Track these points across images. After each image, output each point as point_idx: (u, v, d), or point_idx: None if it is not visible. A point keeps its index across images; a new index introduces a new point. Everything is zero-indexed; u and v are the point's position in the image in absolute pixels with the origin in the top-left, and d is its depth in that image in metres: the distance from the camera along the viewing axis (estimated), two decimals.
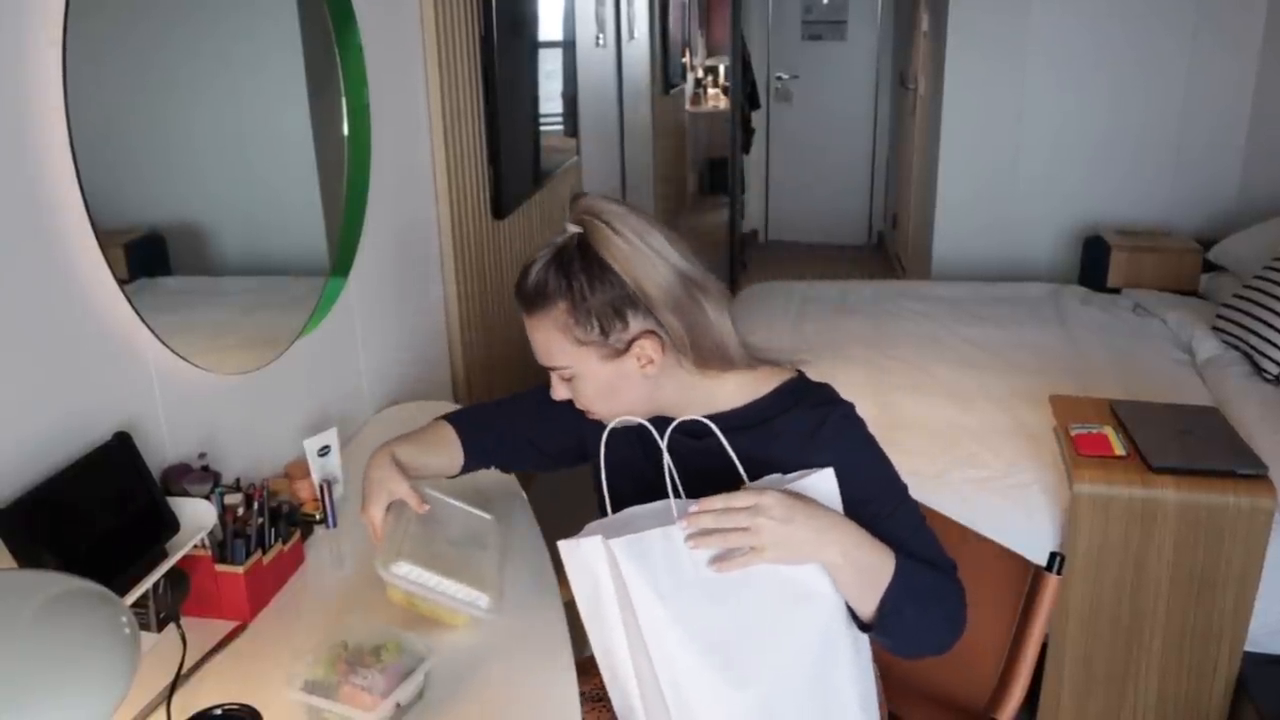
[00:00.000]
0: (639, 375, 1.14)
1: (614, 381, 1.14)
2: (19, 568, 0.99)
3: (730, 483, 1.10)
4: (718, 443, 1.12)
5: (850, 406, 1.16)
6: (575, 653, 1.21)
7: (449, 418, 1.42)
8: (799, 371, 1.22)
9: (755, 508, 0.99)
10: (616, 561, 1.00)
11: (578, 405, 1.19)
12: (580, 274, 1.09)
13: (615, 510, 1.13)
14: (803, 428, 1.13)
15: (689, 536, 1.01)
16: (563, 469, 1.40)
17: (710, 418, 1.14)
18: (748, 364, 1.18)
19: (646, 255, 1.09)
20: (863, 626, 1.10)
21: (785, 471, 1.09)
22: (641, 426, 1.19)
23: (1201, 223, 3.84)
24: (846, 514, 1.08)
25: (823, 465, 1.08)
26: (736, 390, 1.18)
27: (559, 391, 1.19)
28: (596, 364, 1.13)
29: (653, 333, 1.11)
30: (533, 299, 1.13)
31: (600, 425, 1.21)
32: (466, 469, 1.41)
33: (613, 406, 1.17)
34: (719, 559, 1.01)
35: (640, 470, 1.23)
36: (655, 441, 1.17)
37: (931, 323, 3.10)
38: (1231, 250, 3.30)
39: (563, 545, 1.04)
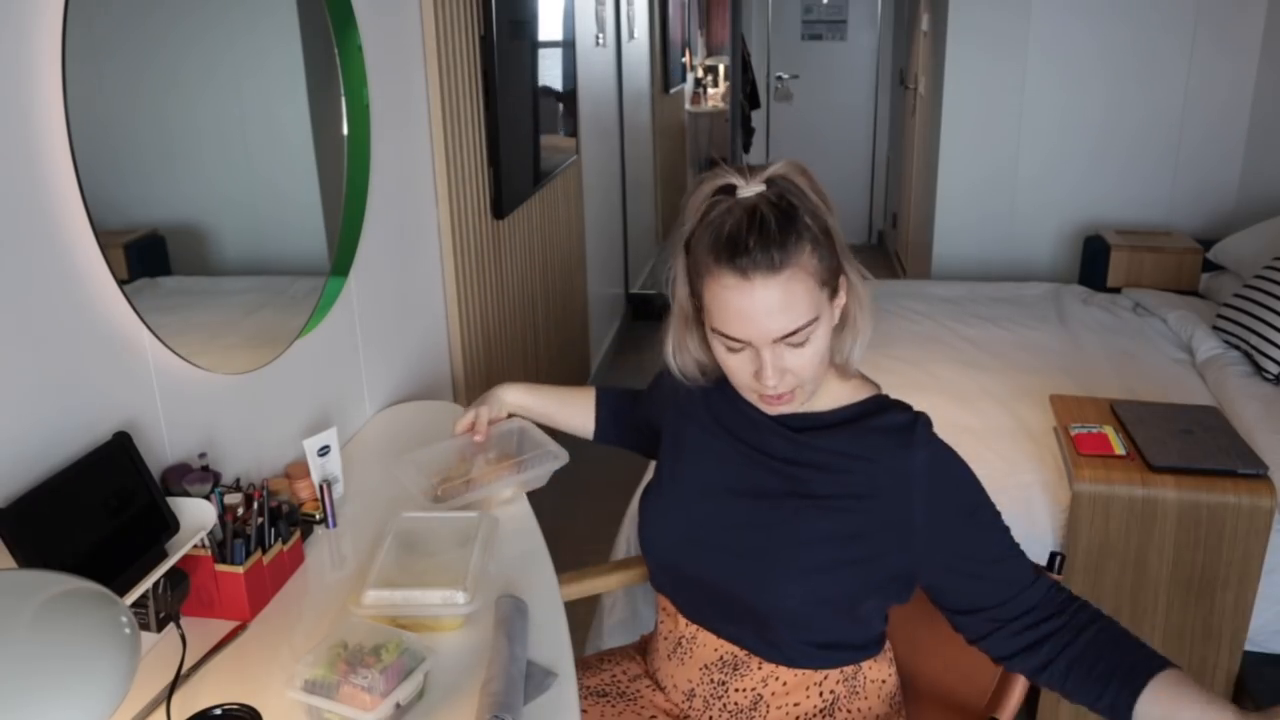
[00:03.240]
0: (832, 319, 1.13)
1: (829, 343, 1.13)
2: (19, 568, 0.99)
3: (824, 477, 1.16)
4: (810, 436, 1.18)
5: (929, 418, 1.19)
6: (575, 650, 1.21)
7: (600, 387, 1.58)
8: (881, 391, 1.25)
9: None
10: None
11: (786, 383, 1.11)
12: (804, 214, 1.07)
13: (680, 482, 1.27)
14: (896, 426, 1.16)
15: None
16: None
17: (803, 415, 1.20)
18: (852, 371, 1.21)
19: (829, 203, 1.12)
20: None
21: (875, 463, 1.14)
22: (738, 410, 1.23)
23: (1201, 223, 3.84)
24: (959, 519, 1.15)
25: (920, 463, 1.13)
26: (829, 394, 1.21)
27: (785, 379, 1.10)
28: (827, 306, 1.11)
29: (842, 270, 1.13)
30: (783, 236, 1.05)
31: (693, 403, 1.27)
32: (601, 435, 1.56)
33: (820, 368, 1.13)
34: None
35: (727, 453, 1.25)
36: (746, 426, 1.23)
37: (931, 323, 3.10)
38: (1231, 250, 3.30)
39: None
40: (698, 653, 1.29)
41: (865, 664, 1.26)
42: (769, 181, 1.10)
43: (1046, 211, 4.02)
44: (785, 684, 1.23)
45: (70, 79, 1.10)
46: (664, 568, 1.30)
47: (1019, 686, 1.32)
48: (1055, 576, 1.30)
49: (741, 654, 1.25)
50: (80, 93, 1.11)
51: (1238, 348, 2.72)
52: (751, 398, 1.17)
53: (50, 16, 1.09)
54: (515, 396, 1.57)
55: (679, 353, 1.25)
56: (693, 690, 1.29)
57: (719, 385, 1.26)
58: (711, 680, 1.27)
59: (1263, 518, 1.88)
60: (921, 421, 1.17)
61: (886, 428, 1.17)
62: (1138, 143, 3.87)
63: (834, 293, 1.12)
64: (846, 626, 1.22)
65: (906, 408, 1.20)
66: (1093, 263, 3.63)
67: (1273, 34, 3.59)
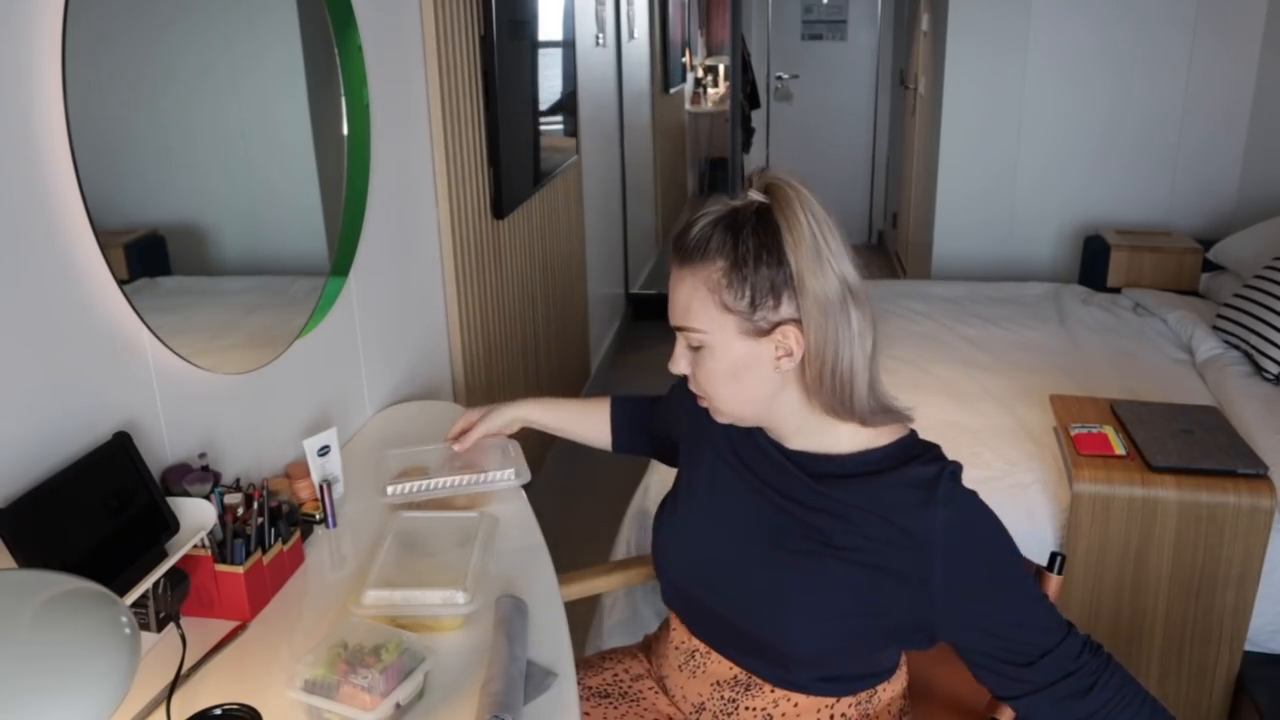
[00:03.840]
0: (770, 367, 1.09)
1: (743, 364, 1.09)
2: (19, 568, 0.99)
3: (842, 527, 1.10)
4: (828, 485, 1.12)
5: (958, 466, 1.11)
6: (575, 651, 1.21)
7: (615, 396, 1.55)
8: (911, 429, 1.17)
9: None
10: None
11: (694, 385, 1.15)
12: (750, 239, 1.05)
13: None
14: (919, 482, 1.09)
15: None
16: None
17: (823, 456, 1.14)
18: (866, 419, 1.12)
19: (821, 248, 1.05)
20: None
21: (892, 523, 1.07)
22: (755, 445, 1.19)
23: (1201, 223, 3.84)
24: (979, 580, 1.07)
25: (940, 523, 1.05)
26: (851, 436, 1.13)
27: (679, 363, 1.14)
28: (733, 337, 1.08)
29: (799, 323, 1.06)
30: (691, 251, 1.08)
31: (709, 424, 1.21)
32: (619, 445, 1.54)
33: (730, 395, 1.12)
34: None
35: (747, 490, 1.21)
36: (764, 463, 1.19)
37: (931, 323, 3.10)
38: (1231, 250, 3.30)
39: None
40: (711, 669, 1.27)
41: (880, 687, 1.23)
42: (769, 191, 1.08)
43: (1046, 211, 4.02)
44: (797, 706, 1.21)
45: (70, 79, 1.10)
46: (677, 590, 1.28)
47: None
48: (1056, 576, 1.30)
49: (755, 677, 1.23)
50: (80, 93, 1.11)
51: (1238, 348, 2.72)
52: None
53: (50, 16, 1.09)
54: (526, 411, 1.54)
55: None
56: (702, 704, 1.28)
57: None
58: (722, 697, 1.26)
59: (1263, 518, 1.88)
60: (947, 475, 1.09)
61: (909, 483, 1.09)
62: (1138, 142, 3.87)
63: (755, 333, 1.07)
64: (862, 663, 1.20)
65: (935, 456, 1.12)
66: (1093, 263, 3.63)
67: (1273, 34, 3.59)
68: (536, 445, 3.10)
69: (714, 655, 1.27)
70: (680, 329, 1.12)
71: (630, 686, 1.37)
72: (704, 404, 1.16)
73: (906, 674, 1.30)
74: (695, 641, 1.29)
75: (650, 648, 1.45)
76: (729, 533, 1.21)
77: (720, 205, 1.10)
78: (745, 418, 1.15)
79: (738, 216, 1.07)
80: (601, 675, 1.40)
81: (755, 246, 1.05)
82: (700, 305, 1.08)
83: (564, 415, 1.55)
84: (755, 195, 1.08)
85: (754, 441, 1.20)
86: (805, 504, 1.14)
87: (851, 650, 1.16)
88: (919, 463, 1.11)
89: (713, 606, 1.22)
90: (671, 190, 6.14)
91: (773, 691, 1.22)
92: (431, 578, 1.25)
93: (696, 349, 1.11)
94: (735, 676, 1.25)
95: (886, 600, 1.10)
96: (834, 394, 1.09)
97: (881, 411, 1.12)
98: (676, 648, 1.32)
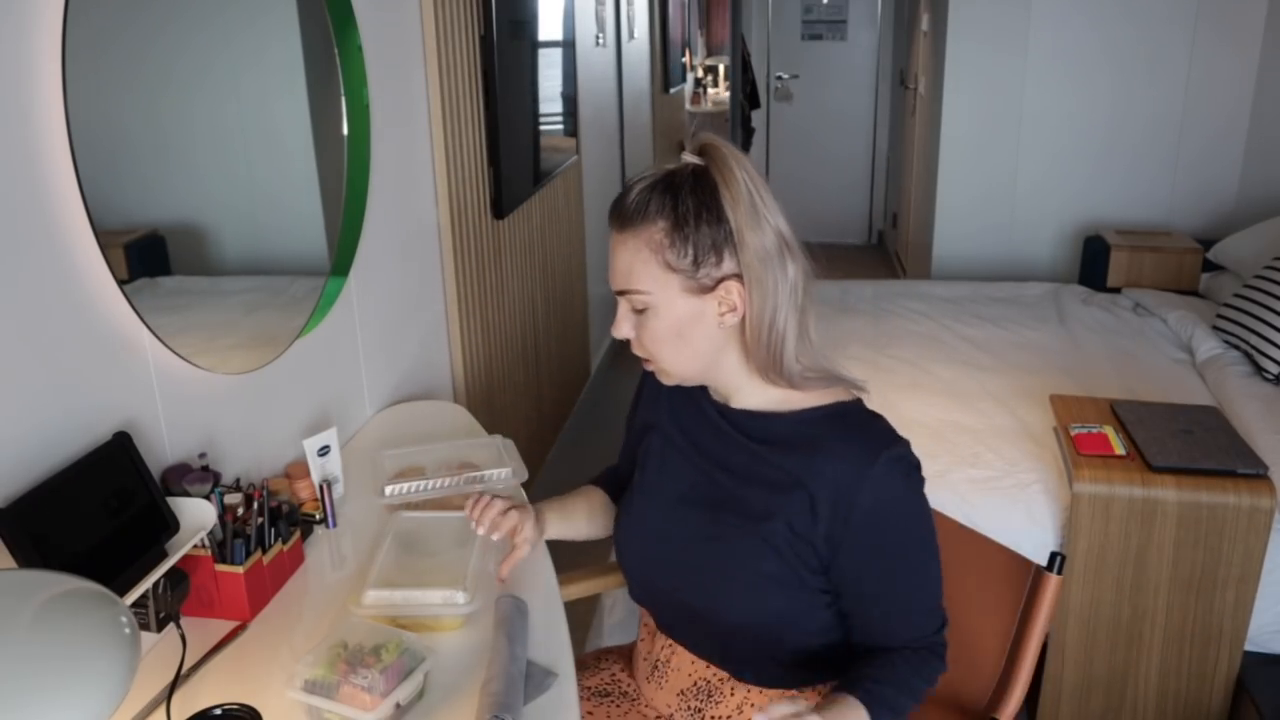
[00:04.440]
0: (715, 323, 1.11)
1: (688, 323, 1.11)
2: (19, 568, 0.99)
3: (764, 493, 1.13)
4: (767, 450, 1.15)
5: (905, 447, 1.11)
6: (575, 650, 1.21)
7: (595, 480, 1.48)
8: (857, 398, 1.18)
9: None
10: None
11: (638, 348, 1.16)
12: (689, 199, 1.08)
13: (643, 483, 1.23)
14: (853, 460, 1.09)
15: None
16: None
17: (760, 414, 1.16)
18: (796, 382, 1.13)
19: (757, 204, 1.08)
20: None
21: (820, 493, 1.10)
22: (699, 410, 1.21)
23: (1201, 223, 3.83)
24: (861, 554, 1.11)
25: (864, 505, 1.08)
26: (785, 395, 1.16)
27: (622, 327, 1.15)
28: (677, 296, 1.10)
29: (740, 278, 1.09)
30: (630, 215, 1.10)
31: (657, 410, 1.24)
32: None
33: (675, 354, 1.14)
34: None
35: (683, 460, 1.24)
36: (705, 430, 1.21)
37: (931, 323, 3.10)
38: (1231, 250, 3.30)
39: None
40: (672, 678, 1.28)
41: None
42: (703, 153, 1.10)
43: (1046, 211, 4.02)
44: (756, 708, 1.21)
45: (70, 79, 1.10)
46: (638, 580, 1.30)
47: (1019, 687, 1.32)
48: (1056, 577, 1.30)
49: (715, 679, 1.24)
50: (80, 93, 1.11)
51: (1238, 348, 2.72)
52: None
53: (50, 16, 1.09)
54: (551, 529, 1.37)
55: None
56: (671, 716, 1.29)
57: (687, 390, 1.24)
58: (688, 707, 1.27)
59: (1263, 518, 1.88)
60: (882, 461, 1.08)
61: (842, 461, 1.09)
62: (1138, 143, 3.87)
63: (699, 290, 1.09)
64: (807, 643, 1.19)
65: (875, 434, 1.12)
66: (1093, 263, 3.63)
67: (1273, 34, 3.59)
68: (536, 445, 3.10)
69: (675, 661, 1.27)
70: (623, 293, 1.13)
71: (630, 686, 1.37)
72: (649, 367, 1.19)
73: None
74: (659, 649, 1.30)
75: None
76: (670, 507, 1.23)
77: (655, 170, 1.12)
78: (690, 376, 1.17)
79: (674, 179, 1.10)
80: (599, 675, 1.40)
81: (695, 205, 1.08)
82: (643, 267, 1.10)
83: (578, 521, 1.41)
84: (689, 158, 1.11)
85: (697, 406, 1.23)
86: (740, 473, 1.17)
87: (784, 621, 1.16)
88: (857, 438, 1.11)
89: (667, 587, 1.24)
90: None
91: (734, 694, 1.23)
92: (431, 578, 1.25)
93: (640, 311, 1.13)
94: (696, 684, 1.26)
95: (789, 564, 1.13)
96: (768, 351, 1.11)
97: (818, 378, 1.15)
98: (644, 658, 1.33)
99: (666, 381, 1.19)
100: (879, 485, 1.08)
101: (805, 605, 1.15)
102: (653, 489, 1.27)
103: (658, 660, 1.30)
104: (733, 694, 1.23)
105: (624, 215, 1.11)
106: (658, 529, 1.24)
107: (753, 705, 1.22)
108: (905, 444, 1.11)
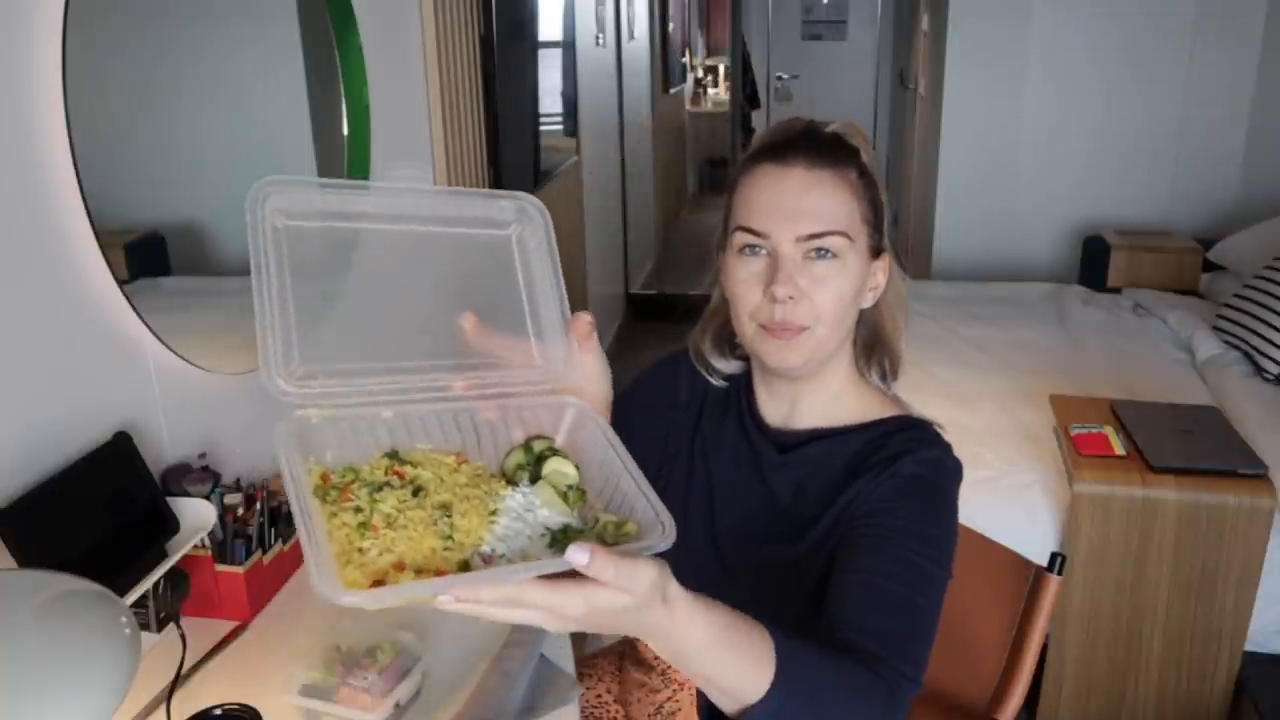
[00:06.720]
0: (863, 299, 0.99)
1: (860, 288, 0.97)
2: (19, 568, 0.99)
3: (790, 518, 1.00)
4: (823, 452, 1.01)
5: (943, 451, 0.99)
6: (575, 650, 1.21)
7: None
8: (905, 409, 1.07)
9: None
10: None
11: (793, 313, 0.94)
12: (860, 151, 0.97)
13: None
14: (913, 443, 0.98)
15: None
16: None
17: (828, 430, 1.03)
18: (889, 380, 1.05)
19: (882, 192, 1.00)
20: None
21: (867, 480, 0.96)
22: (739, 426, 1.06)
23: (1201, 223, 3.83)
24: (880, 502, 0.95)
25: (905, 471, 0.95)
26: (853, 405, 1.04)
27: (798, 280, 0.93)
28: (862, 256, 0.96)
29: (884, 254, 0.99)
30: (834, 148, 0.96)
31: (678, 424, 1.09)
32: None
33: (838, 325, 0.97)
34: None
35: (730, 466, 1.07)
36: (758, 439, 1.05)
37: (931, 323, 3.09)
38: (1231, 250, 3.30)
39: None
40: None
41: None
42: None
43: (1046, 211, 4.01)
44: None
45: (71, 79, 1.10)
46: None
47: (1019, 687, 1.31)
48: (1056, 577, 1.30)
49: None
50: (81, 93, 1.11)
51: (1238, 348, 2.72)
52: (755, 338, 0.98)
53: (50, 17, 1.09)
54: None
55: (700, 328, 1.13)
56: None
57: (721, 395, 1.12)
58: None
59: (1263, 518, 1.87)
60: (943, 450, 0.98)
61: (905, 446, 0.98)
62: (1138, 142, 3.86)
63: (875, 254, 0.99)
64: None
65: (922, 440, 0.99)
66: (1093, 263, 3.62)
67: (1273, 34, 3.58)
68: None
69: (680, 717, 1.23)
70: (814, 236, 0.94)
71: (616, 712, 1.34)
72: (786, 342, 0.96)
73: None
74: (664, 697, 1.25)
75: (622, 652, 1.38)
76: (704, 546, 1.08)
77: (798, 119, 1.00)
78: (824, 356, 0.99)
79: (831, 133, 0.98)
80: (584, 696, 1.35)
81: (868, 162, 0.97)
82: (845, 209, 0.95)
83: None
84: (834, 127, 0.99)
85: (740, 422, 1.08)
86: (766, 497, 1.04)
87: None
88: (925, 433, 1.00)
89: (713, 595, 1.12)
90: (671, 190, 6.14)
91: None
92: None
93: (823, 258, 0.94)
94: None
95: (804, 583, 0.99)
96: (892, 336, 1.03)
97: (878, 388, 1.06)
98: (648, 700, 1.29)
99: (794, 361, 0.97)
100: (926, 462, 0.96)
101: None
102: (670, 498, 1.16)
103: (661, 705, 1.27)
104: None
105: (821, 148, 0.95)
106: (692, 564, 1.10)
107: None
108: (943, 450, 1.00)
